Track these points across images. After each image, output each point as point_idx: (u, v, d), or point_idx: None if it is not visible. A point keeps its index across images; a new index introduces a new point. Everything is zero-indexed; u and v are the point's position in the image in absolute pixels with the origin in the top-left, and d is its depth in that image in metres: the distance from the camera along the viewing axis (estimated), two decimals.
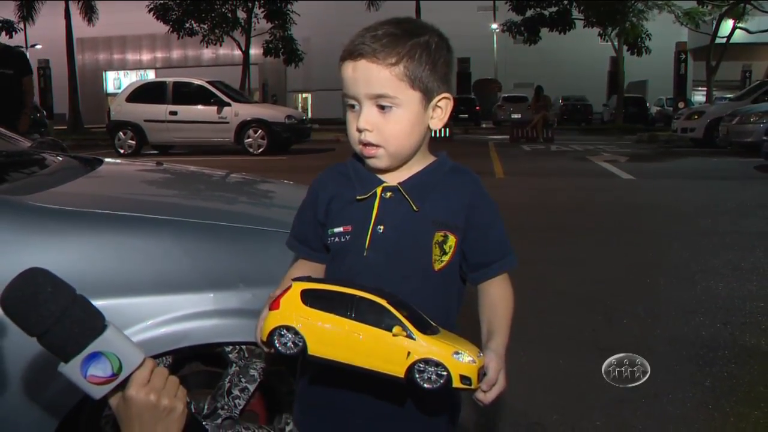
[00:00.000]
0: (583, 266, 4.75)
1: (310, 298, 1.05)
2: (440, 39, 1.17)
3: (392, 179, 1.18)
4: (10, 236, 1.52)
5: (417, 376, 0.98)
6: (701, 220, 6.37)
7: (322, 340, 1.03)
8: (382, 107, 1.13)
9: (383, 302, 1.02)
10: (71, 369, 0.97)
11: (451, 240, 1.16)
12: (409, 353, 1.00)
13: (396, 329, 1.01)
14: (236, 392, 1.66)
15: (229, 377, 1.65)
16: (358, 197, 1.17)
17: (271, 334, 1.06)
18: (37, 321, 0.96)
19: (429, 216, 1.16)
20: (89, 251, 1.57)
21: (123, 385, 1.00)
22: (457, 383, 0.98)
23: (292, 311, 1.05)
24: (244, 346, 1.65)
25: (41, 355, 1.45)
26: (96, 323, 0.99)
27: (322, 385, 1.19)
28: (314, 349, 1.04)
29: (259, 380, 1.67)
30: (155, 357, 1.58)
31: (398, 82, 1.12)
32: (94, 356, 0.97)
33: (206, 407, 1.65)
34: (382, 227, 1.15)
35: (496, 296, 1.19)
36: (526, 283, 3.91)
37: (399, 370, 0.99)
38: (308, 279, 1.09)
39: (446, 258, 1.16)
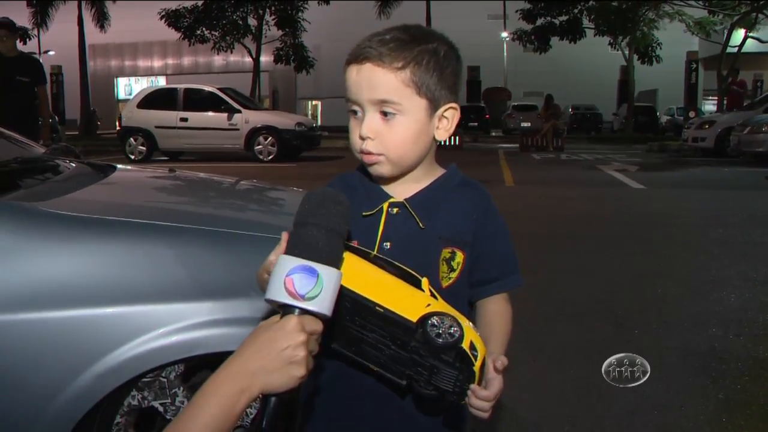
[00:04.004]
0: (593, 276, 4.73)
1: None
2: (449, 48, 1.14)
3: (399, 194, 1.15)
4: (24, 242, 1.52)
5: (429, 325, 0.96)
6: (712, 230, 6.33)
7: (346, 270, 0.98)
8: (385, 114, 1.09)
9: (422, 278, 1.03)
10: (286, 261, 0.90)
11: (459, 256, 1.13)
12: (429, 305, 0.99)
13: (424, 281, 1.02)
14: None
15: None
16: (364, 213, 1.14)
17: None
18: (312, 215, 0.93)
19: (436, 232, 1.13)
20: (102, 258, 1.57)
21: (284, 313, 0.92)
22: (466, 344, 0.95)
23: None
24: None
25: (55, 362, 1.46)
26: (338, 262, 0.93)
27: (326, 397, 1.17)
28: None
29: None
30: (167, 365, 1.58)
31: (404, 87, 1.08)
32: (312, 272, 0.89)
33: None
34: (388, 244, 1.12)
35: (494, 313, 1.16)
36: (535, 292, 3.94)
37: (413, 315, 0.97)
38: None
39: (454, 275, 1.13)
